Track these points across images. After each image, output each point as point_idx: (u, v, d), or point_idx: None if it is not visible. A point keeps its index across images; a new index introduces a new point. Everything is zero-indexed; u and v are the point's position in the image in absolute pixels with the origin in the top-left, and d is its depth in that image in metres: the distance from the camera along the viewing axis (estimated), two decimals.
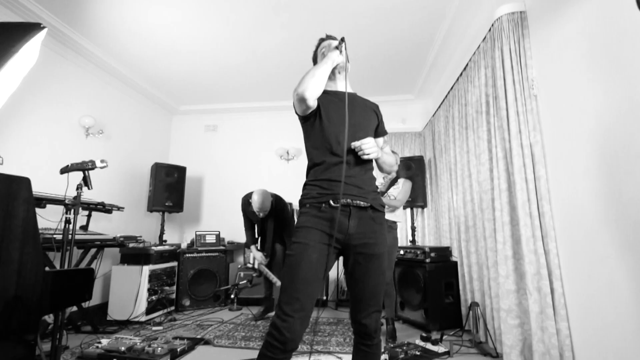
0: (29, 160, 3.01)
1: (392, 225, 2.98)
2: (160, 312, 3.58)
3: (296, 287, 1.22)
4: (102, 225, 3.65)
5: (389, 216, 2.99)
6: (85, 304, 3.24)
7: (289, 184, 4.75)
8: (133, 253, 3.54)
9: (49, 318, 2.69)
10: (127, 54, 3.72)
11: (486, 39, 2.58)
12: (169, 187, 4.31)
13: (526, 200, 2.10)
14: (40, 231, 2.46)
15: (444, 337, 2.70)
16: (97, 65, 3.75)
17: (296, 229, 1.34)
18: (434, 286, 3.09)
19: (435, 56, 3.67)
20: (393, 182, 3.07)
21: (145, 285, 3.38)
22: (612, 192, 1.59)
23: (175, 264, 3.91)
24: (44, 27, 1.88)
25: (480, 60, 2.69)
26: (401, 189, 3.04)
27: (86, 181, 1.91)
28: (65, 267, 1.85)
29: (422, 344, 2.60)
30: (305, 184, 1.44)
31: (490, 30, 2.49)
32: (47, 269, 2.54)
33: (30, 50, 1.83)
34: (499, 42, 2.33)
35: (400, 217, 3.08)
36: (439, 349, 2.48)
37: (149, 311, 3.40)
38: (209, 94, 4.82)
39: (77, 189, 1.89)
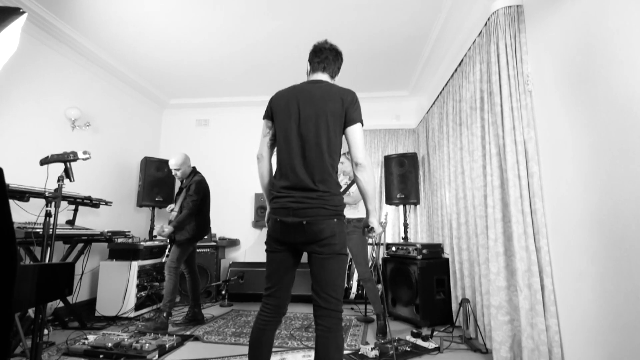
0: (12, 153, 2.92)
1: (357, 225, 2.95)
2: (150, 308, 3.53)
3: None
4: (90, 220, 3.58)
5: (351, 214, 2.96)
6: (73, 300, 3.18)
7: None
8: (121, 248, 3.48)
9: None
10: (115, 44, 3.63)
11: (482, 34, 2.56)
12: (159, 182, 4.25)
13: (519, 197, 2.09)
14: (22, 225, 2.40)
15: (435, 333, 2.70)
16: (83, 55, 3.64)
17: None
18: (425, 283, 3.09)
19: (431, 51, 3.64)
20: (354, 181, 3.04)
21: (134, 281, 3.33)
22: (605, 190, 1.58)
23: (165, 259, 3.86)
24: (23, 12, 1.80)
25: (476, 56, 2.66)
26: None
27: (68, 173, 1.84)
28: (46, 261, 1.79)
29: (412, 340, 2.59)
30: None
31: (486, 24, 2.46)
32: (30, 262, 2.48)
33: (9, 37, 1.75)
34: (495, 36, 2.30)
35: (363, 213, 3.02)
36: (429, 344, 2.48)
37: (138, 307, 3.36)
38: (201, 87, 4.74)
39: (58, 181, 1.82)
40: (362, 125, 1.52)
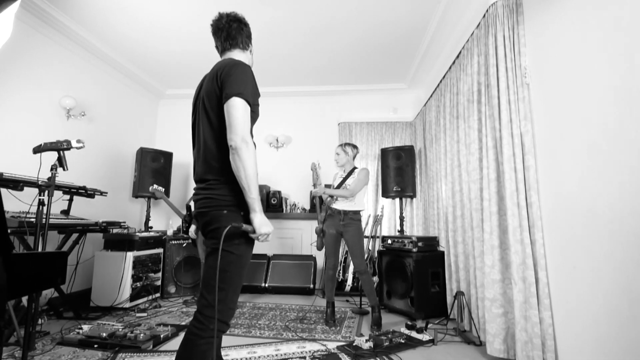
0: (6, 142, 2.88)
1: (353, 217, 2.96)
2: (145, 299, 3.53)
3: (240, 286, 1.33)
4: (85, 211, 3.56)
5: (347, 206, 2.98)
6: (67, 290, 3.17)
7: (279, 172, 4.71)
8: (117, 239, 3.46)
9: None
10: (111, 33, 3.57)
11: (480, 26, 2.53)
12: (155, 173, 4.22)
13: (514, 190, 2.09)
14: (16, 214, 2.38)
15: (429, 325, 2.72)
16: (78, 43, 3.58)
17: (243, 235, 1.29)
18: (420, 275, 3.10)
19: (429, 43, 3.61)
20: (350, 173, 3.08)
21: (129, 271, 3.32)
22: (601, 184, 1.58)
23: (160, 250, 3.85)
24: None
25: (474, 48, 2.64)
26: (356, 178, 3.02)
27: (61, 162, 1.82)
28: (40, 250, 1.78)
29: (407, 332, 2.61)
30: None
31: (484, 16, 2.44)
32: (24, 251, 2.47)
33: (2, 23, 1.72)
34: (493, 28, 2.28)
35: (360, 205, 3.03)
36: (424, 337, 2.49)
37: (133, 298, 3.35)
38: (197, 77, 4.66)
39: (52, 169, 1.80)
40: (245, 99, 1.25)
